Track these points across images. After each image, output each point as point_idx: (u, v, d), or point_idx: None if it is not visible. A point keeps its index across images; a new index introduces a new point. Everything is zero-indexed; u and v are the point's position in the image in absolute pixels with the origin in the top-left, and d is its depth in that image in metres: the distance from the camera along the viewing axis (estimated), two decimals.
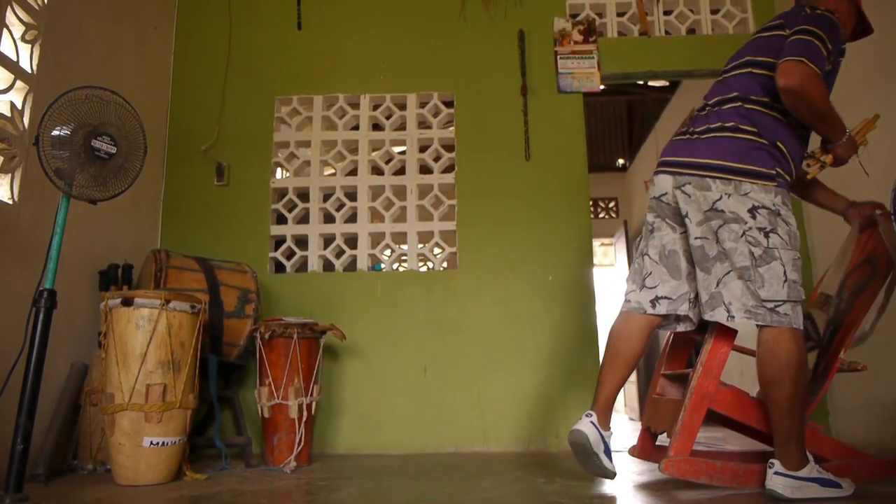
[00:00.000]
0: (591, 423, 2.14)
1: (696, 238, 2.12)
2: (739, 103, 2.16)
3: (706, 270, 2.10)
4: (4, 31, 2.72)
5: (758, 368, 2.06)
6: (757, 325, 2.05)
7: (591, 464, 2.14)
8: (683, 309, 2.25)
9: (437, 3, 4.13)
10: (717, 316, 2.07)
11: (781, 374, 1.99)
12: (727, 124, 2.14)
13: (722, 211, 2.07)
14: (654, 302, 2.25)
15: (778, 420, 2.01)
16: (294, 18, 4.13)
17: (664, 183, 2.23)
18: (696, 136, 2.20)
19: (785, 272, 2.01)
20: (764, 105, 2.14)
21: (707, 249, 2.10)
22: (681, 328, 2.33)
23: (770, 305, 2.00)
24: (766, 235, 2.03)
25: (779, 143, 2.12)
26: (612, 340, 2.30)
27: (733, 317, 2.04)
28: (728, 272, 2.06)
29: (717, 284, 2.07)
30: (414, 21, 4.12)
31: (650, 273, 2.27)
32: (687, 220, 2.14)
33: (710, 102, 2.26)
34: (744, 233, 2.04)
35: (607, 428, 2.18)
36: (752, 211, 2.04)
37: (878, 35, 3.09)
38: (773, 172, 2.08)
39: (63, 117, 2.08)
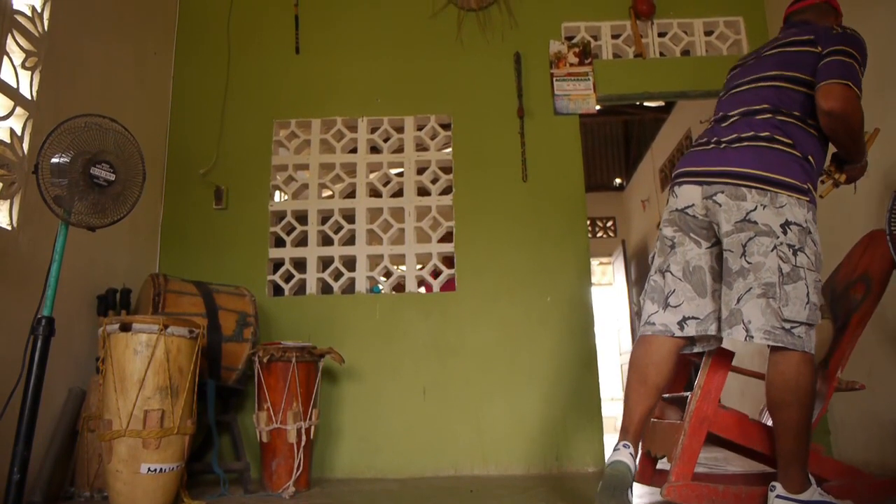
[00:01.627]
0: (630, 454, 1.98)
1: (725, 250, 2.05)
2: (770, 115, 2.09)
3: (728, 285, 2.02)
4: (4, 58, 2.74)
5: (767, 390, 2.01)
6: (770, 346, 1.98)
7: (620, 498, 1.88)
8: (713, 329, 2.11)
9: (434, 27, 4.17)
10: (735, 334, 1.98)
11: (791, 396, 1.94)
12: (761, 134, 2.06)
13: (755, 222, 1.99)
14: (682, 323, 2.11)
15: (783, 442, 1.98)
16: (292, 43, 4.17)
17: (691, 194, 2.12)
18: (724, 145, 2.11)
19: (808, 293, 1.95)
20: (796, 118, 2.09)
21: (731, 263, 2.02)
22: (698, 349, 2.20)
23: (788, 326, 1.93)
24: (795, 253, 1.96)
25: (810, 157, 2.06)
26: (638, 367, 2.14)
27: (752, 336, 1.94)
28: (749, 289, 1.96)
29: (738, 301, 1.98)
30: (411, 45, 4.16)
31: (673, 291, 2.13)
32: (721, 232, 2.06)
33: (732, 113, 2.17)
34: (774, 247, 1.96)
35: (635, 459, 2.04)
36: (785, 226, 1.97)
37: (877, 45, 3.12)
38: (806, 187, 2.02)
39: (62, 145, 2.09)
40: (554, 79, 4.04)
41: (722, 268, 2.07)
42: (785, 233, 1.97)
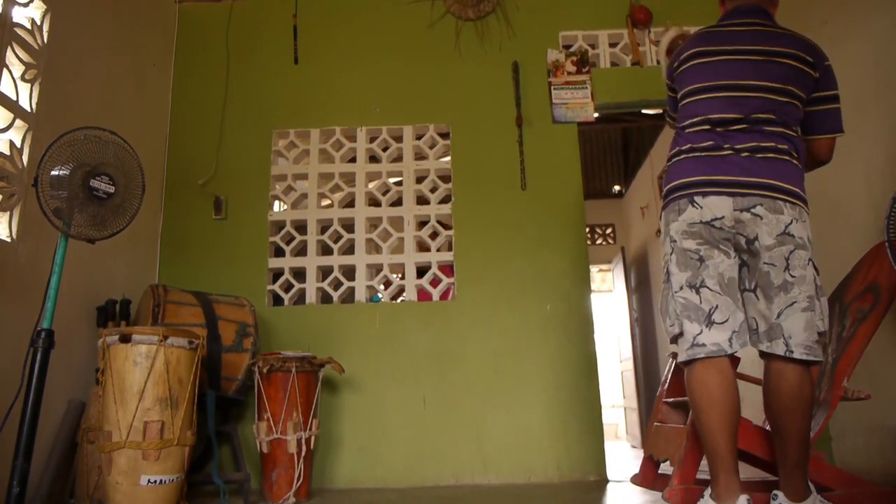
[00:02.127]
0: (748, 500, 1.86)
1: (764, 263, 1.99)
2: (781, 128, 2.06)
3: (769, 299, 1.98)
4: (4, 70, 2.75)
5: (772, 398, 1.98)
6: (796, 360, 1.95)
7: None
8: (748, 341, 2.02)
9: (433, 37, 4.19)
10: (775, 348, 1.95)
11: (798, 404, 1.94)
12: (781, 147, 2.03)
13: (793, 236, 1.97)
14: (731, 340, 1.97)
15: (788, 449, 1.96)
16: (291, 53, 4.18)
17: (719, 205, 2.00)
18: (745, 153, 2.03)
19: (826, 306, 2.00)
20: (798, 135, 2.11)
21: (773, 277, 1.97)
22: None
23: (820, 340, 1.95)
24: (816, 267, 2.00)
25: (804, 174, 2.10)
26: (710, 400, 1.94)
27: (791, 351, 1.92)
28: (792, 303, 1.95)
29: (778, 315, 1.95)
30: (409, 54, 4.17)
31: (716, 307, 1.98)
32: (756, 244, 1.99)
33: (737, 116, 2.06)
34: (809, 260, 1.97)
35: None
36: (810, 240, 2.01)
37: (878, 49, 3.14)
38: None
39: (62, 158, 2.10)
40: (552, 87, 4.05)
41: (747, 279, 2.04)
42: (812, 246, 2.01)
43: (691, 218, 2.03)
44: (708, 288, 1.99)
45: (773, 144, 2.04)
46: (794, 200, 1.99)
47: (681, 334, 2.00)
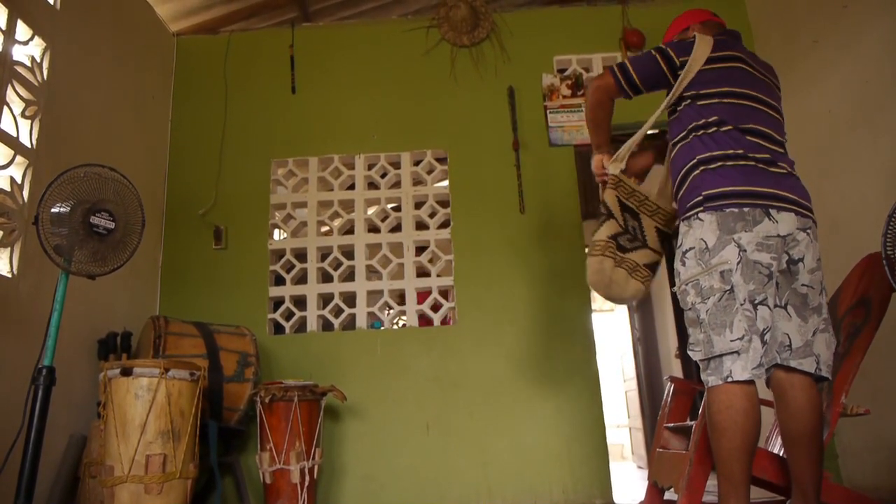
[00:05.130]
0: None
1: (803, 285, 2.00)
2: (784, 150, 2.12)
3: (804, 318, 2.00)
4: (5, 108, 2.78)
5: (795, 418, 1.97)
6: (816, 377, 1.99)
7: None
8: (780, 357, 2.02)
9: (428, 64, 4.23)
10: (806, 365, 1.97)
11: (819, 422, 1.97)
12: (793, 167, 2.09)
13: (820, 260, 2.05)
14: (767, 364, 1.98)
15: (811, 471, 1.95)
16: (288, 83, 4.23)
17: (791, 223, 1.99)
18: (784, 170, 2.04)
19: None
20: None
21: (810, 298, 2.01)
22: None
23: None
24: None
25: None
26: (735, 425, 1.86)
27: (821, 370, 1.97)
28: (821, 325, 2.01)
29: (812, 334, 1.99)
30: (406, 82, 4.21)
31: (769, 328, 1.96)
32: (800, 265, 2.00)
33: (765, 130, 2.08)
34: (823, 285, 2.05)
35: None
36: None
37: (879, 52, 3.16)
38: None
39: (62, 195, 2.11)
40: (548, 111, 4.09)
41: (777, 296, 2.01)
42: None
43: (768, 231, 1.95)
44: (768, 306, 1.93)
45: (790, 164, 2.09)
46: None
47: (738, 353, 1.87)
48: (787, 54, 3.70)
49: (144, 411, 2.43)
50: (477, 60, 4.22)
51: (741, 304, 1.90)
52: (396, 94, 4.20)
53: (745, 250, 1.93)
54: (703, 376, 1.96)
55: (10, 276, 2.70)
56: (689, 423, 2.45)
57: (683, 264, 2.02)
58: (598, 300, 9.81)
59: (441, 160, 4.14)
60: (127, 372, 2.46)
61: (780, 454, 2.16)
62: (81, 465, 2.85)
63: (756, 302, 1.91)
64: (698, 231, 1.99)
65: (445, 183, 4.06)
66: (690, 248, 2.00)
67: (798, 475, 1.97)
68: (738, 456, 1.83)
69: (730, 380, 1.86)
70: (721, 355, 1.89)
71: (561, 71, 4.22)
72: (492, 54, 4.23)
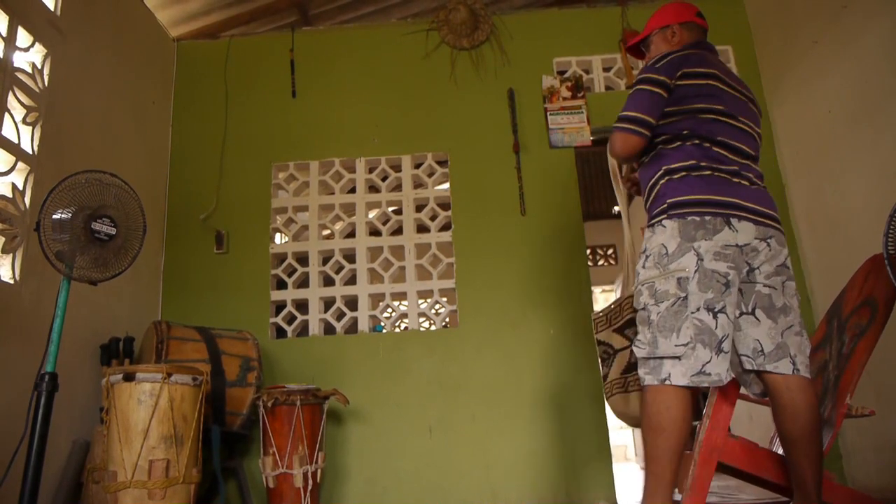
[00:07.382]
0: None
1: (764, 286, 2.04)
2: (754, 163, 2.18)
3: (773, 319, 2.04)
4: (6, 114, 2.79)
5: (796, 417, 1.99)
6: (805, 377, 2.03)
7: None
8: (756, 364, 2.06)
9: (428, 67, 4.24)
10: (782, 367, 2.00)
11: (818, 423, 1.99)
12: (761, 179, 2.16)
13: (788, 268, 2.10)
14: (728, 371, 1.96)
15: (812, 471, 1.97)
16: (288, 87, 4.23)
17: (749, 231, 2.02)
18: (756, 185, 2.11)
19: None
20: None
21: (774, 299, 2.05)
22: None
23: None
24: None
25: None
26: (673, 425, 1.93)
27: (798, 369, 2.00)
28: (790, 326, 2.05)
29: (782, 335, 2.03)
30: (406, 85, 4.22)
31: (727, 336, 1.96)
32: (756, 272, 2.04)
33: (741, 147, 2.14)
34: (796, 291, 2.11)
35: None
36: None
37: (880, 54, 3.15)
38: None
39: (64, 201, 2.12)
40: (548, 113, 4.09)
41: (743, 303, 2.05)
42: None
43: (726, 240, 1.98)
44: (726, 315, 1.95)
45: (761, 178, 2.16)
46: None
47: (679, 357, 1.92)
48: (787, 54, 3.70)
49: (147, 416, 2.43)
50: (477, 63, 4.22)
51: (692, 312, 1.94)
52: (397, 98, 4.20)
53: (702, 259, 1.96)
54: (640, 373, 2.01)
55: (12, 282, 2.70)
56: (692, 423, 2.44)
57: (644, 266, 2.08)
58: (599, 302, 9.82)
59: (442, 163, 4.14)
60: (130, 377, 2.46)
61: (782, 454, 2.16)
62: (85, 470, 2.84)
63: (716, 310, 1.94)
64: (661, 236, 2.05)
65: (446, 186, 4.07)
66: (651, 252, 2.07)
67: (799, 476, 1.99)
68: (672, 457, 1.89)
69: (667, 383, 1.92)
70: (662, 358, 1.94)
71: (561, 73, 4.23)
72: (492, 57, 4.23)
